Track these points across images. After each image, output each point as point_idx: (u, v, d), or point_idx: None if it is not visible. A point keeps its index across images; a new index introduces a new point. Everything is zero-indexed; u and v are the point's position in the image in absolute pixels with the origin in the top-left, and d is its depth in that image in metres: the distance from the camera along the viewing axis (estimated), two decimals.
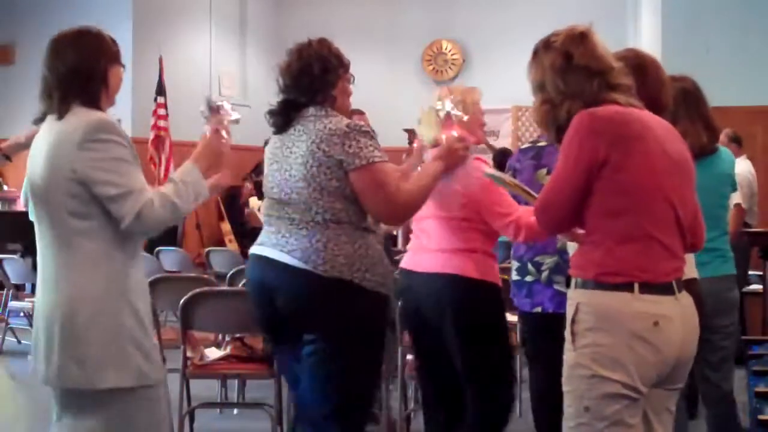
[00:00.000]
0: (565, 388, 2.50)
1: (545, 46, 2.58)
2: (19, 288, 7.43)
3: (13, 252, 7.95)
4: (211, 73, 11.31)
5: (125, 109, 9.77)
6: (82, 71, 2.65)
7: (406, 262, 3.58)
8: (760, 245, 5.87)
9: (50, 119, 2.67)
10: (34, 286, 6.94)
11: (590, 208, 2.46)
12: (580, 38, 2.54)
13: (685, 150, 2.57)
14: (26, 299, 6.99)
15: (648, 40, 8.87)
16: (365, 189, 2.94)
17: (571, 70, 2.51)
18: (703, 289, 2.95)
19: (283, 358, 3.34)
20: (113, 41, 2.75)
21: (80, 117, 2.60)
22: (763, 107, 8.42)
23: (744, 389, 4.76)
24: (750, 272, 6.95)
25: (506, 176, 3.10)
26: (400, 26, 12.08)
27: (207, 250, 8.38)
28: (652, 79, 2.83)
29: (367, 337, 3.02)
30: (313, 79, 3.04)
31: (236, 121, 2.86)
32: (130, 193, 2.56)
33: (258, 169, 10.49)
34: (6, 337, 7.08)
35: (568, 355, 2.48)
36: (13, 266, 7.12)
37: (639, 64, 2.81)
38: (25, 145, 2.78)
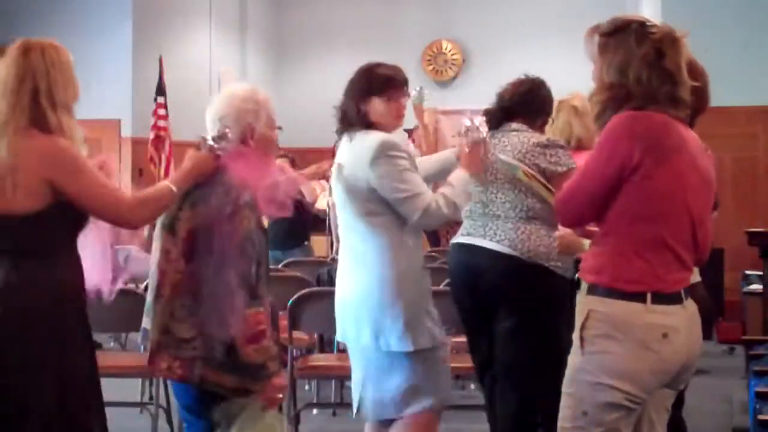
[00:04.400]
0: (565, 390, 2.50)
1: (640, 32, 2.46)
2: None
3: None
4: (211, 73, 11.29)
5: (125, 109, 9.77)
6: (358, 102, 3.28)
7: None
8: (760, 245, 5.88)
9: (345, 138, 3.33)
10: None
11: (613, 209, 2.44)
12: (673, 41, 2.47)
13: (710, 168, 2.56)
14: None
15: None
16: None
17: (658, 69, 2.44)
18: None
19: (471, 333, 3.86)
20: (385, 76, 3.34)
21: (368, 138, 3.23)
22: (764, 107, 8.42)
23: (744, 389, 4.76)
24: (750, 272, 6.95)
25: (521, 165, 3.38)
26: (400, 26, 12.07)
27: None
28: None
29: (555, 313, 3.53)
30: (541, 103, 3.87)
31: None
32: (415, 195, 3.17)
33: None
34: None
35: (574, 359, 2.48)
36: None
37: None
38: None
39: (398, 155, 3.22)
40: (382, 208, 3.24)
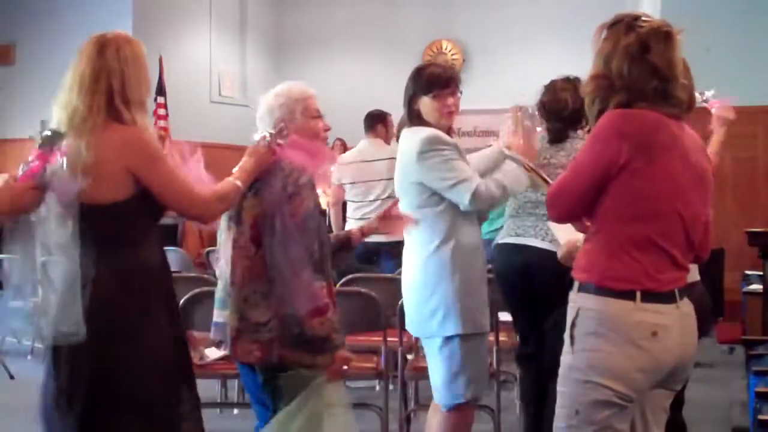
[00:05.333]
0: (559, 388, 2.51)
1: (629, 24, 2.47)
2: None
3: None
4: (211, 73, 11.29)
5: None
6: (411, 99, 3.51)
7: None
8: (760, 245, 5.87)
9: (402, 134, 3.55)
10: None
11: (602, 207, 2.45)
12: (664, 36, 2.46)
13: (705, 163, 2.55)
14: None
15: None
16: None
17: (641, 62, 2.43)
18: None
19: (523, 326, 3.99)
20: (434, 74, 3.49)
21: (415, 134, 3.44)
22: (764, 107, 8.42)
23: (744, 389, 4.76)
24: (750, 272, 6.95)
25: (523, 159, 3.42)
26: (400, 26, 12.06)
27: (207, 250, 8.36)
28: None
29: None
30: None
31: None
32: (462, 181, 3.30)
33: None
34: (6, 338, 7.07)
35: (566, 357, 2.49)
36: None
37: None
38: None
39: (443, 147, 3.38)
40: (428, 200, 3.41)
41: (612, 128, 2.41)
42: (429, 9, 12.04)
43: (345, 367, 2.96)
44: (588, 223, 2.56)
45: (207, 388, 5.13)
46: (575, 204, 2.50)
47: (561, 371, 2.50)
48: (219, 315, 3.10)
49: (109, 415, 2.72)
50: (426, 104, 3.46)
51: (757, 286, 6.47)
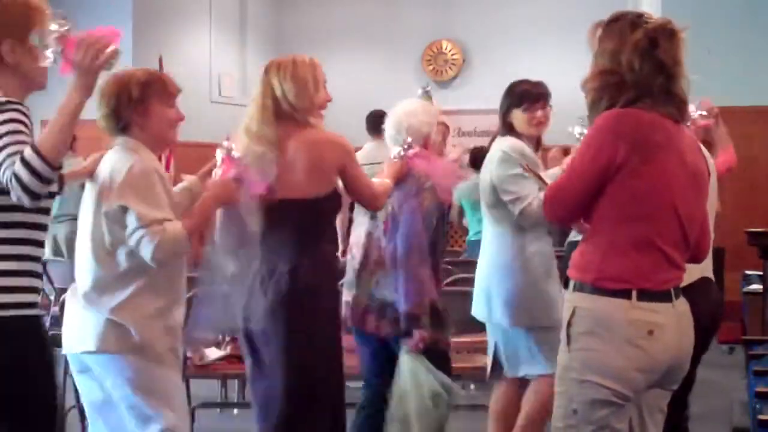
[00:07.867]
0: (556, 388, 2.51)
1: (634, 21, 2.47)
2: None
3: None
4: (211, 73, 11.29)
5: None
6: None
7: None
8: (760, 245, 5.87)
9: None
10: None
11: (599, 208, 2.44)
12: (670, 34, 2.46)
13: (702, 162, 2.55)
14: None
15: None
16: None
17: (650, 58, 2.42)
18: None
19: None
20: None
21: (501, 143, 3.76)
22: (764, 107, 8.42)
23: (744, 389, 4.76)
24: (750, 272, 6.95)
25: (524, 163, 3.64)
26: (400, 26, 12.06)
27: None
28: None
29: None
30: None
31: None
32: (518, 199, 3.61)
33: None
34: None
35: (562, 357, 2.49)
36: None
37: None
38: None
39: (518, 160, 3.66)
40: (500, 202, 3.73)
41: (607, 129, 2.41)
42: (429, 9, 12.04)
43: (421, 345, 3.36)
44: (587, 225, 2.56)
45: (207, 388, 5.15)
46: (573, 207, 2.50)
47: (557, 371, 2.51)
48: (347, 294, 3.55)
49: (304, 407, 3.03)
50: (518, 117, 3.81)
51: (757, 286, 6.47)
